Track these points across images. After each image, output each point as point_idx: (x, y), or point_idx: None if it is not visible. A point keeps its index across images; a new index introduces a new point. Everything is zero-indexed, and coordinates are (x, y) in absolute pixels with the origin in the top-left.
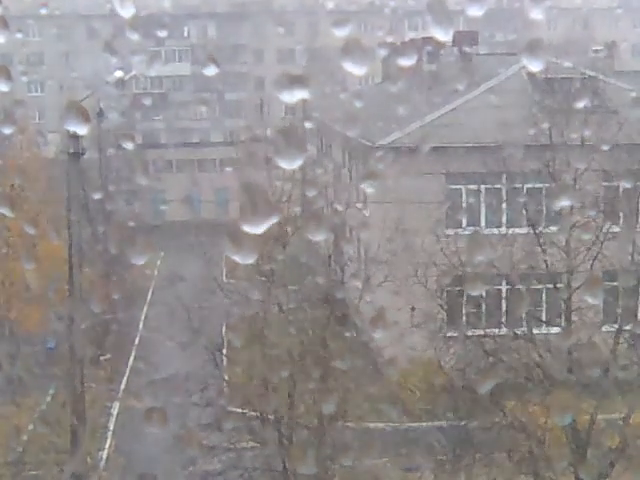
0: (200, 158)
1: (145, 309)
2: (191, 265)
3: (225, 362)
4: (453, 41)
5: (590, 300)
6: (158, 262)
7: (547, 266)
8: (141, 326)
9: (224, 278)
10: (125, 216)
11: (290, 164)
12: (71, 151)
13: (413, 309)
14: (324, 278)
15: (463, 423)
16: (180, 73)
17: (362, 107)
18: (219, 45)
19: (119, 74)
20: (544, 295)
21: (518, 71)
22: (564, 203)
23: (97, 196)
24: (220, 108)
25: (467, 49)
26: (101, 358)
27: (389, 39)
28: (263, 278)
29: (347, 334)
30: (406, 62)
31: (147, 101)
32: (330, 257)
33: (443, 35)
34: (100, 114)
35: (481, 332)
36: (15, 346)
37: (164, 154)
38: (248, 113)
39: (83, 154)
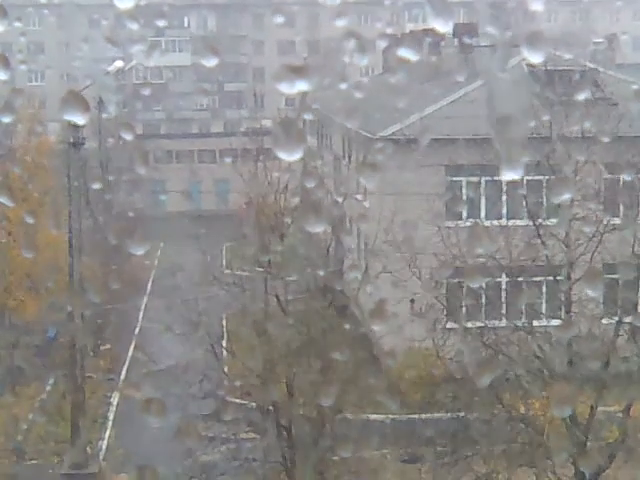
0: (200, 149)
1: (145, 299)
2: (191, 256)
3: (224, 353)
4: (453, 33)
5: (590, 292)
6: (158, 253)
7: (547, 258)
8: (141, 316)
9: (224, 269)
10: (125, 206)
11: (289, 156)
12: (71, 141)
13: (412, 301)
14: (323, 269)
15: (462, 415)
16: (180, 63)
17: (362, 99)
18: (219, 35)
19: (119, 64)
20: (544, 287)
21: (518, 63)
22: (564, 195)
23: (97, 186)
24: (220, 99)
25: (467, 41)
26: (101, 348)
27: (389, 30)
28: (261, 269)
29: (346, 325)
30: (406, 54)
31: (147, 91)
32: (329, 248)
33: (443, 26)
34: (100, 104)
35: (481, 324)
36: (15, 335)
37: (164, 145)
38: (248, 104)
39: (83, 144)
